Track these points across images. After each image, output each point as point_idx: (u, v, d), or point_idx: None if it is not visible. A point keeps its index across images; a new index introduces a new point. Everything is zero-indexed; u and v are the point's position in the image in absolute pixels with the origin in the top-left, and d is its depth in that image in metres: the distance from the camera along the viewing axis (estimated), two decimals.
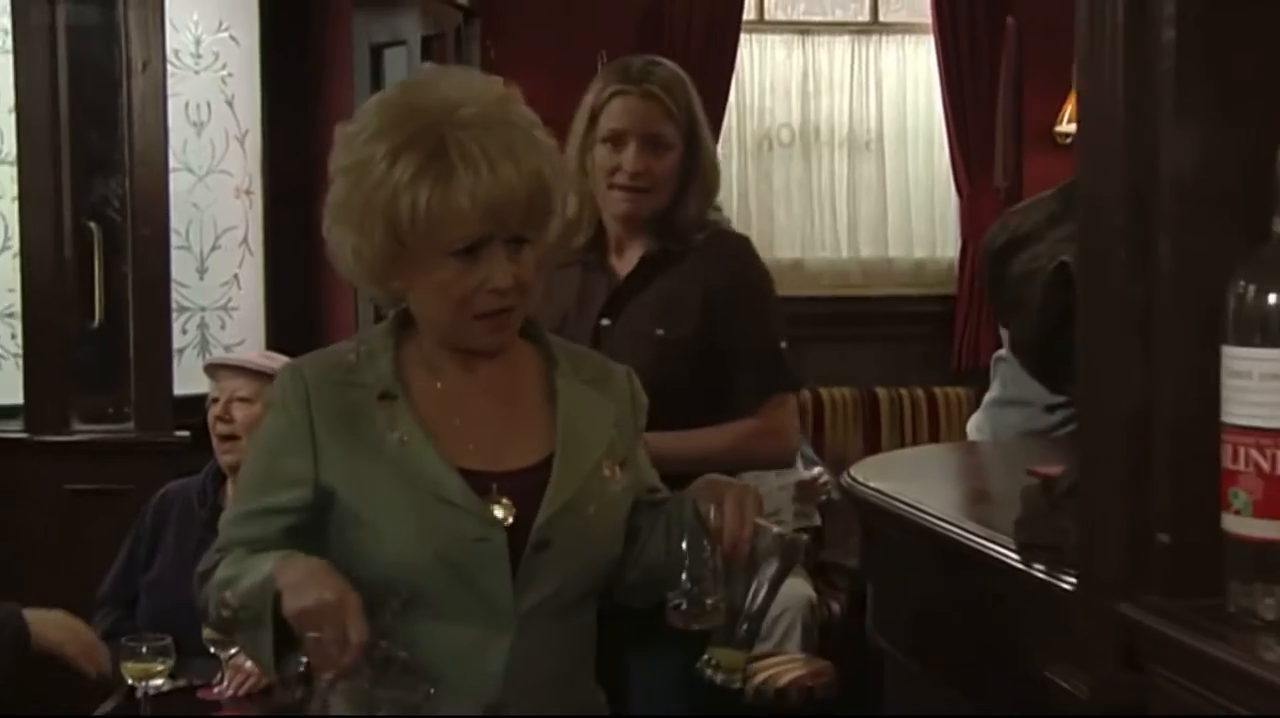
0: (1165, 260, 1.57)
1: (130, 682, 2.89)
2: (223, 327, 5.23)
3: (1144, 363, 1.60)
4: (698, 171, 2.73)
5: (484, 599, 1.86)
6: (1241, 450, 1.48)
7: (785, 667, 4.02)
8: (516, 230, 1.84)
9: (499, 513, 1.86)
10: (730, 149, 6.23)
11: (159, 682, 2.89)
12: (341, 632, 1.70)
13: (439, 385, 1.94)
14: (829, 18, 6.50)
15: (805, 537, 2.43)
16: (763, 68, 6.43)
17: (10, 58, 4.57)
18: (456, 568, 1.84)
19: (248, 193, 5.36)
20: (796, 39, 6.38)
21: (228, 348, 5.15)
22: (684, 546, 1.84)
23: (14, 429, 4.45)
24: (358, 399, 1.89)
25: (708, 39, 6.00)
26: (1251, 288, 1.44)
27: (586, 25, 5.92)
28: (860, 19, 6.43)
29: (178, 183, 4.91)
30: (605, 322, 2.68)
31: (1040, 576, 1.76)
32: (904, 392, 5.94)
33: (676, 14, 5.99)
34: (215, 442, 3.43)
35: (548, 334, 2.05)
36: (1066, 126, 6.00)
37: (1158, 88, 1.57)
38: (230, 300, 5.28)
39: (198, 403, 4.13)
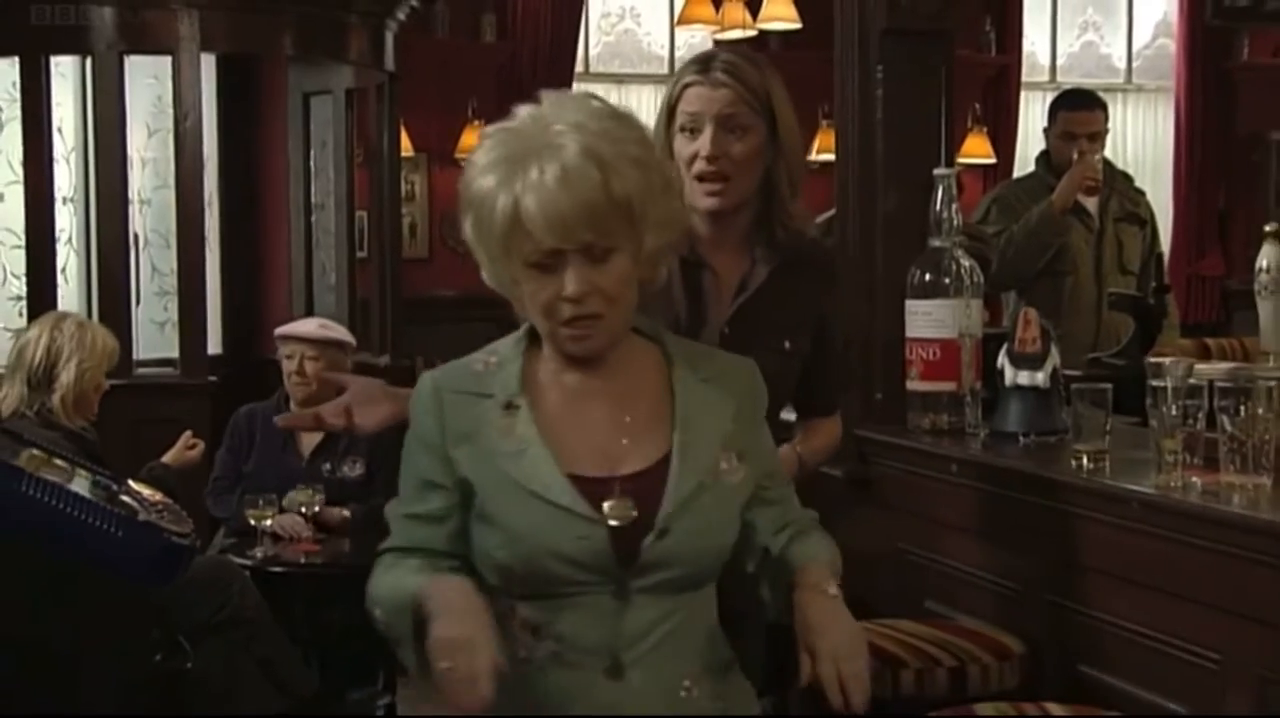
0: (878, 259, 3.37)
1: (252, 523, 4.46)
2: None
3: (869, 310, 3.38)
4: (780, 156, 2.54)
5: (594, 583, 1.84)
6: (913, 348, 3.21)
7: None
8: (588, 242, 1.77)
9: (613, 512, 1.82)
10: None
11: (268, 523, 4.46)
12: (471, 671, 1.66)
13: (560, 394, 1.89)
14: (637, 70, 8.10)
15: None
16: None
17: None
18: (567, 561, 1.82)
19: (209, 205, 6.27)
20: (614, 86, 7.85)
21: None
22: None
23: None
24: (483, 410, 1.87)
25: (547, 86, 7.28)
26: (918, 271, 3.21)
27: (460, 76, 7.24)
28: (661, 72, 8.01)
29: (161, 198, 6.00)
30: (727, 330, 2.53)
31: None
32: None
33: (524, 68, 7.40)
34: (290, 383, 4.66)
35: (666, 335, 1.99)
36: (816, 156, 7.65)
37: (875, 167, 3.38)
38: None
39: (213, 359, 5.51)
